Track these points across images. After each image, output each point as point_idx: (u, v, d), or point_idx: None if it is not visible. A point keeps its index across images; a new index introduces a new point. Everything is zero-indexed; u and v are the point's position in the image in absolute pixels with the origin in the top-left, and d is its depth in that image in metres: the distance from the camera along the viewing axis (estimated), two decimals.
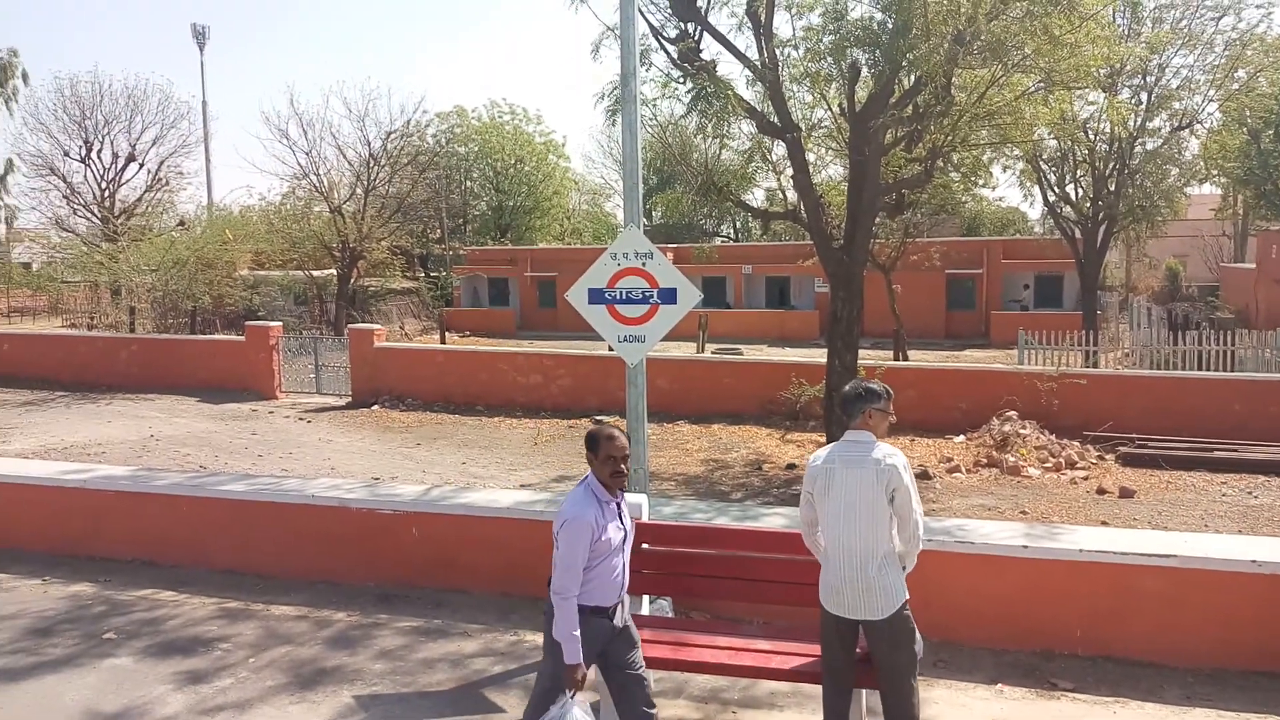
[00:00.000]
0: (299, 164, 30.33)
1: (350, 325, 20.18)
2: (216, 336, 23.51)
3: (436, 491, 7.00)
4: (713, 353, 22.80)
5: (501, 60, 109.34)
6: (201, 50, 48.03)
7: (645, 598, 5.27)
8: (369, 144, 31.13)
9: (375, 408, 17.08)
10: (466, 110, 47.56)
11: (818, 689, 4.29)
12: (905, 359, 19.50)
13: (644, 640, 4.65)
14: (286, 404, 17.91)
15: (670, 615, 5.65)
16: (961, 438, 13.38)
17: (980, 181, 16.06)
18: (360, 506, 6.69)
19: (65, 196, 33.55)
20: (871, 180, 10.50)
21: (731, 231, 53.74)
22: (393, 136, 31.66)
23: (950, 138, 10.36)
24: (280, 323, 20.58)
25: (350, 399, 17.91)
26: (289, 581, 6.78)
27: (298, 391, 18.99)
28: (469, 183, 47.48)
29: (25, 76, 36.04)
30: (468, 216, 47.71)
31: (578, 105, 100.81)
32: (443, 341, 27.99)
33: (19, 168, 35.59)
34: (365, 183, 30.40)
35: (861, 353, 11.45)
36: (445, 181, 42.07)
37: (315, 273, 32.42)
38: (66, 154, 33.39)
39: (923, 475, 11.16)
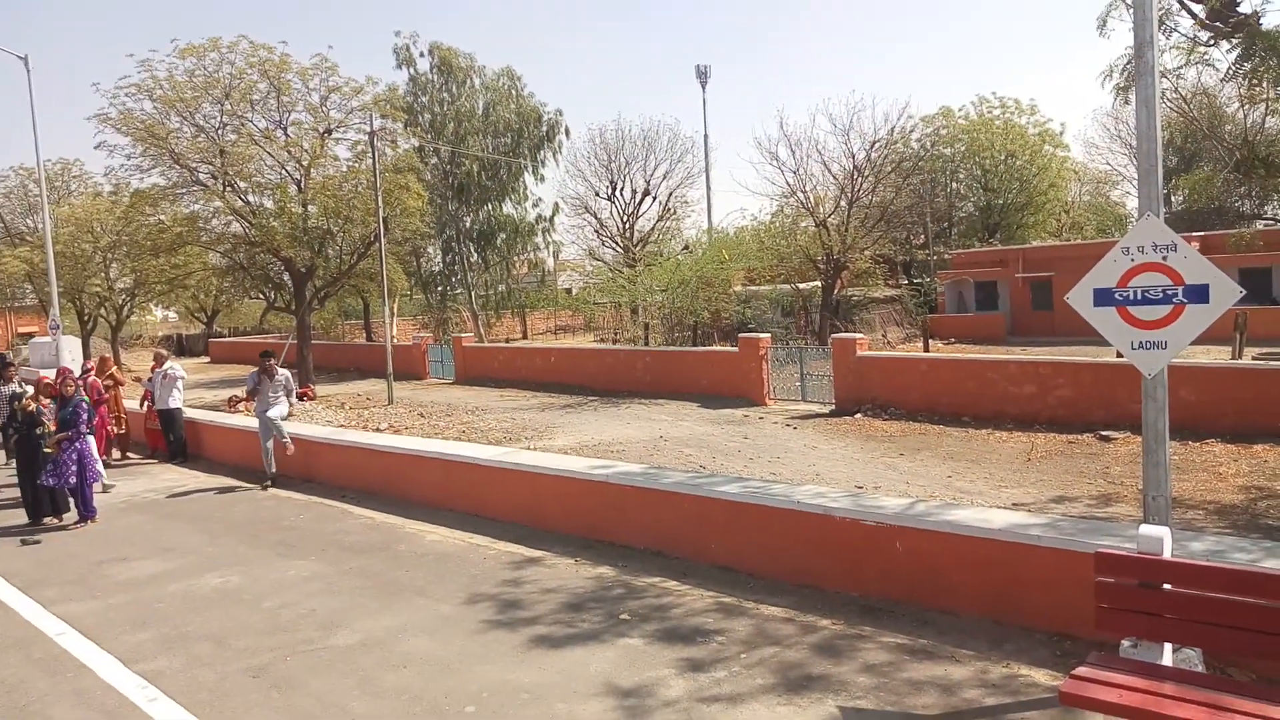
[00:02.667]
0: (787, 183, 31.85)
1: (834, 335, 20.59)
2: (714, 348, 25.56)
3: (921, 506, 6.77)
4: (1254, 358, 19.16)
5: (990, 53, 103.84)
6: (704, 88, 52.81)
7: (1167, 646, 4.53)
8: (853, 156, 31.59)
9: (858, 416, 17.18)
10: (953, 110, 46.06)
11: None
12: None
13: (1168, 695, 4.00)
14: (775, 410, 18.81)
15: (1200, 670, 4.79)
16: None
17: None
18: (844, 516, 6.72)
19: (596, 231, 39.38)
20: None
21: (1279, 212, 44.76)
22: (876, 146, 31.73)
23: None
24: (769, 334, 21.75)
25: (833, 407, 18.25)
26: (776, 583, 7.06)
27: (785, 399, 19.85)
28: (954, 184, 45.87)
29: (567, 132, 42.75)
30: (953, 219, 46.09)
31: (1078, 88, 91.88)
32: (926, 349, 27.27)
33: (563, 209, 42.45)
34: (849, 194, 30.86)
35: None
36: (929, 185, 41.14)
37: (801, 285, 33.70)
38: (597, 194, 39.14)
39: None
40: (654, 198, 39.42)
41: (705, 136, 49.88)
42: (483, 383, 27.34)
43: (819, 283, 31.81)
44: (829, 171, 32.22)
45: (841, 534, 6.75)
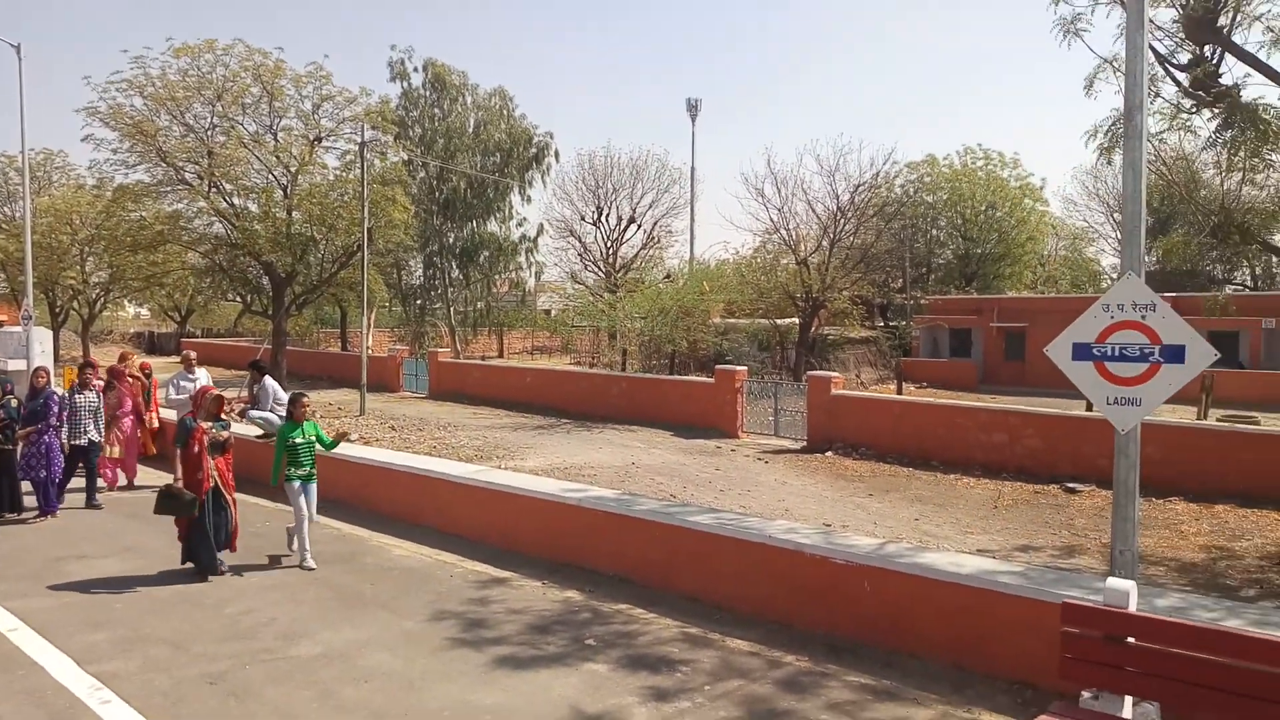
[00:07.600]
0: (771, 220, 32.20)
1: (809, 372, 20.72)
2: (690, 378, 25.62)
3: (892, 547, 6.82)
4: (1218, 419, 19.48)
5: (979, 105, 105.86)
6: (694, 122, 53.31)
7: (1128, 699, 4.58)
8: (837, 197, 32.00)
9: (829, 454, 17.27)
10: (937, 158, 46.78)
11: None
12: None
13: None
14: (747, 443, 18.86)
15: None
16: None
17: None
18: (814, 553, 6.75)
19: (579, 254, 39.55)
20: None
21: (1249, 278, 45.76)
22: (861, 189, 32.16)
23: None
24: (745, 367, 21.84)
25: (805, 443, 18.33)
26: (743, 616, 7.06)
27: (757, 432, 19.91)
28: (935, 231, 46.51)
29: (557, 155, 42.96)
30: (931, 265, 46.68)
31: (1057, 145, 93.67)
32: (899, 392, 27.51)
33: (547, 230, 42.58)
34: (831, 235, 31.25)
35: None
36: (910, 231, 41.69)
37: (779, 321, 33.94)
38: (582, 218, 39.35)
39: None
40: (639, 225, 39.76)
41: (693, 169, 50.18)
42: (456, 399, 27.18)
43: (797, 320, 32.05)
44: (813, 211, 32.62)
45: (811, 571, 6.77)
